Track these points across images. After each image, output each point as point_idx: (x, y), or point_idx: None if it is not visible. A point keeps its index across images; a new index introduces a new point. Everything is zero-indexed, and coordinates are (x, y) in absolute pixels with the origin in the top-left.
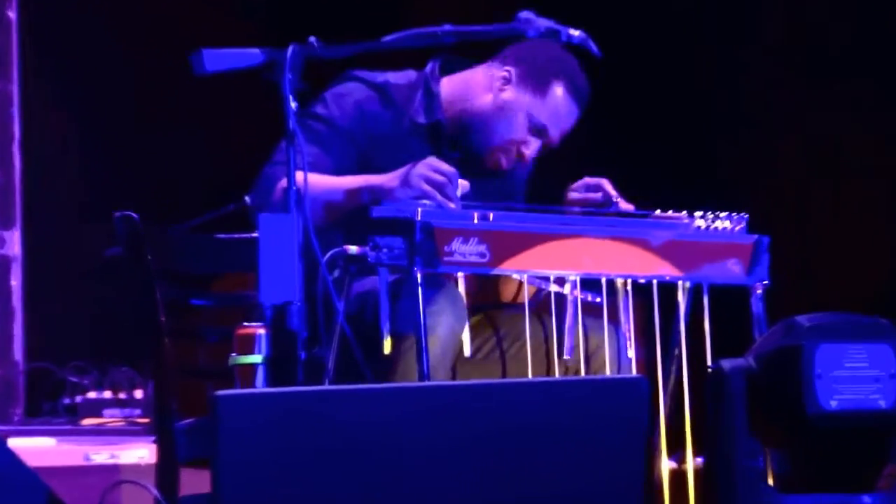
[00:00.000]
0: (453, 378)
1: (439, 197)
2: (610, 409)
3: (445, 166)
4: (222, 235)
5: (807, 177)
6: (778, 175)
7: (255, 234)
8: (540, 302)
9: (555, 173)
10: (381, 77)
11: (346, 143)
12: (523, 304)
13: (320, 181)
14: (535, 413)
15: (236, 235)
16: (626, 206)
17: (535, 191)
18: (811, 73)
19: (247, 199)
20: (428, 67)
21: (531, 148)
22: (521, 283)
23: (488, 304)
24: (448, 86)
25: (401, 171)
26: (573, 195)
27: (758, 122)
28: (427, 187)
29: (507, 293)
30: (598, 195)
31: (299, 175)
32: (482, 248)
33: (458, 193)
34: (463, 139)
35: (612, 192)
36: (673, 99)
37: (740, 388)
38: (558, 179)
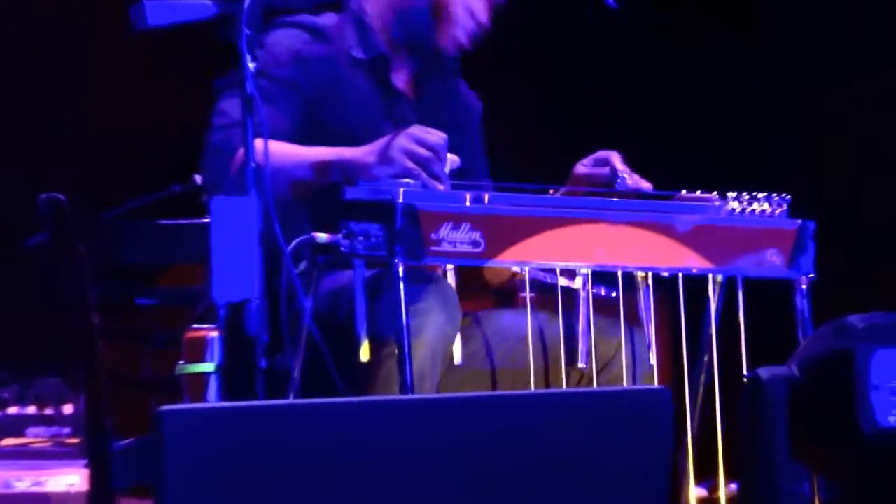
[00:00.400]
0: (438, 391)
1: (424, 175)
2: (628, 426)
3: (432, 137)
4: (166, 221)
5: (860, 156)
6: (827, 151)
7: (206, 220)
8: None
9: (575, 150)
10: (307, 18)
11: (293, 95)
12: (519, 295)
13: (283, 151)
14: (541, 431)
15: (184, 221)
16: (638, 183)
17: (543, 168)
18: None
19: (197, 178)
20: (352, 3)
21: (478, 7)
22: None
23: (472, 288)
24: (375, 9)
25: (378, 144)
26: (580, 170)
27: (806, 101)
28: (410, 163)
29: (494, 276)
30: (606, 170)
31: (259, 144)
32: (476, 235)
33: (448, 169)
34: (410, 43)
35: (620, 167)
36: (706, 70)
37: (781, 400)
38: (577, 157)
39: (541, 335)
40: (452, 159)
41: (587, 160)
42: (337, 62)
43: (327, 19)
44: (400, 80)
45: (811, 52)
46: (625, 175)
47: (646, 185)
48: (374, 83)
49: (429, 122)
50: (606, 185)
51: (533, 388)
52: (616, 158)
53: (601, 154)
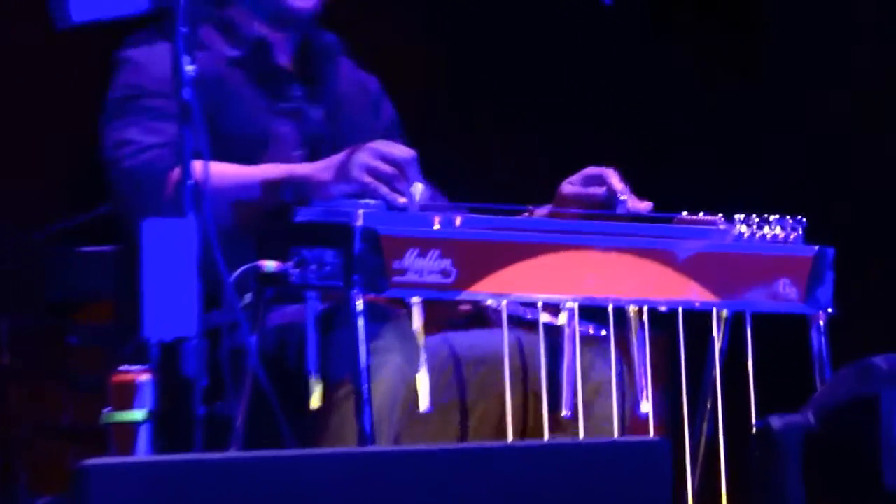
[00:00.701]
0: (398, 442)
1: (386, 190)
2: (621, 482)
3: (397, 151)
4: (89, 248)
5: (881, 173)
6: (843, 167)
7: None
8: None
9: (562, 167)
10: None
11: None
12: (492, 330)
13: (224, 171)
14: (522, 487)
15: (106, 248)
16: (638, 205)
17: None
18: None
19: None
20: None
21: None
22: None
23: (439, 320)
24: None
25: (335, 159)
26: (568, 189)
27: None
28: (370, 179)
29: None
30: (601, 190)
31: (196, 166)
32: (446, 263)
33: (416, 198)
34: (268, 15)
35: (619, 186)
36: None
37: (796, 452)
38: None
39: (522, 368)
40: (423, 191)
41: (576, 178)
42: (208, 71)
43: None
44: (284, 62)
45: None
46: (625, 197)
47: (645, 207)
48: (257, 75)
49: (320, 100)
50: (601, 207)
51: (510, 427)
52: (613, 177)
53: (593, 171)
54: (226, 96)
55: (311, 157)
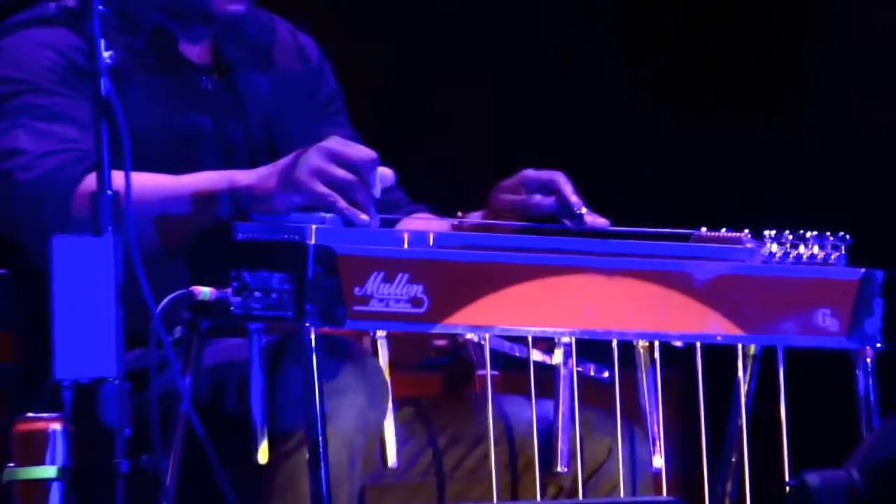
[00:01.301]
0: (363, 502)
1: (343, 204)
2: None
3: (354, 152)
4: None
5: None
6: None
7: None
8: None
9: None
10: (55, 10)
11: (87, 108)
12: (476, 374)
13: (147, 181)
14: None
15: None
16: (596, 221)
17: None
18: None
19: None
20: None
21: None
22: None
23: (412, 363)
24: None
25: (280, 164)
26: (505, 200)
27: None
28: (323, 188)
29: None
30: (549, 201)
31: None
32: (417, 289)
33: (377, 193)
34: (183, 12)
35: (573, 198)
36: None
37: None
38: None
39: (507, 435)
40: (383, 175)
41: (510, 183)
42: (121, 60)
43: (72, 6)
44: (192, 52)
45: None
46: (583, 210)
47: (601, 223)
48: (162, 67)
49: (244, 95)
50: (547, 221)
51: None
52: (564, 185)
53: (536, 175)
54: (126, 92)
55: (227, 160)
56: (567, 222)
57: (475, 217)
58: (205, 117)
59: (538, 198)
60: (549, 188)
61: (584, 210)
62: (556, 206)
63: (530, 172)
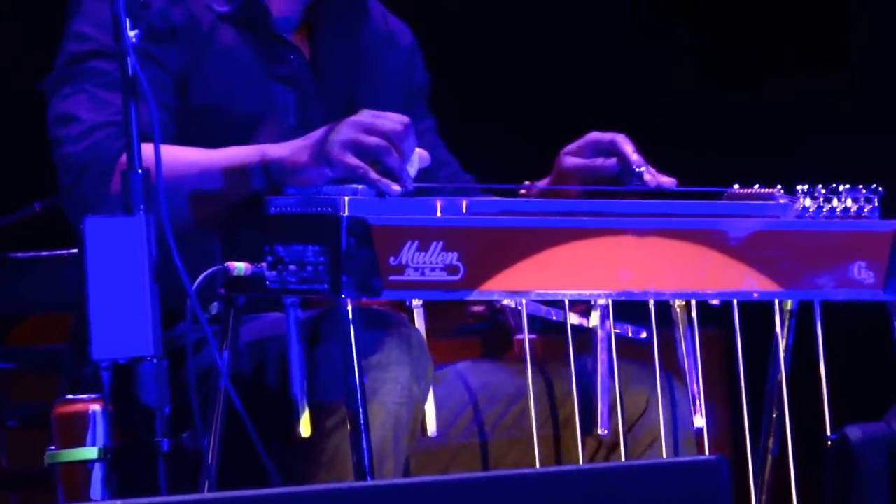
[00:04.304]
0: (407, 473)
1: (374, 175)
2: None
3: (386, 122)
4: (19, 254)
5: None
6: None
7: (75, 250)
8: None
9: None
10: None
11: (159, 76)
12: (515, 338)
13: (179, 157)
14: None
15: (45, 253)
16: (660, 179)
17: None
18: None
19: (36, 206)
20: None
21: None
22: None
23: (448, 329)
24: None
25: (313, 137)
26: (570, 162)
27: None
28: (355, 160)
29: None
30: (611, 162)
31: (146, 150)
32: (452, 257)
33: (413, 170)
34: None
35: (634, 157)
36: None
37: (878, 468)
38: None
39: (547, 392)
40: (420, 156)
41: (575, 146)
42: (198, 22)
43: None
44: (286, 28)
45: None
46: (642, 169)
47: (668, 182)
48: (250, 39)
49: (329, 80)
50: (612, 182)
51: (538, 464)
52: (625, 144)
53: (598, 137)
54: (208, 60)
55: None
56: (634, 182)
57: (540, 185)
58: (289, 93)
59: (601, 160)
60: (611, 150)
61: (643, 169)
62: (618, 167)
63: (594, 135)
